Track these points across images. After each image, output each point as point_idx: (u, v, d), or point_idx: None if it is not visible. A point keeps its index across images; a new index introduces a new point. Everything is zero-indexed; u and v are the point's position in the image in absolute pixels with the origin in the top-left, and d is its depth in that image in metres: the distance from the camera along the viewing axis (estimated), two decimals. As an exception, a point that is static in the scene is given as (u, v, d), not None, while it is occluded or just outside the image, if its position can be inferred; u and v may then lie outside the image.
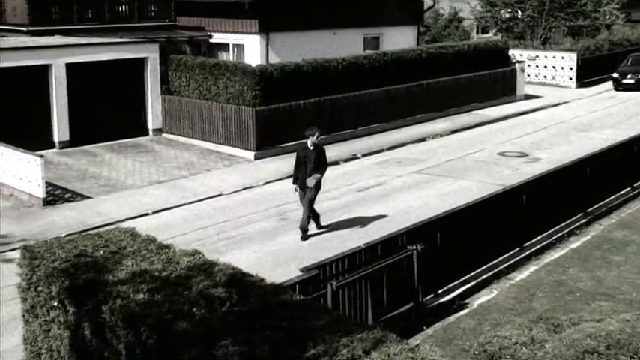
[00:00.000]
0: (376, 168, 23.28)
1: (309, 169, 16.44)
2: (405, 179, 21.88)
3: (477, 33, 52.16)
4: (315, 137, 16.56)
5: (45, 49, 24.83)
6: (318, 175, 16.55)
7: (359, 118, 27.35)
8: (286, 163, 23.41)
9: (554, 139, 27.07)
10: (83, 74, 24.90)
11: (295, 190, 16.95)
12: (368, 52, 32.08)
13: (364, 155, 24.86)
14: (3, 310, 12.96)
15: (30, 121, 23.97)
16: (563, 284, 14.20)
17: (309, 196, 16.48)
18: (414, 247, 12.56)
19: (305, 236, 16.67)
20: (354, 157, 24.61)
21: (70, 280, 7.73)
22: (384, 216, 18.27)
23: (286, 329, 6.42)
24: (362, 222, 17.89)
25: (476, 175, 22.10)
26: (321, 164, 16.68)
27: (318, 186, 16.63)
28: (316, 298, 10.38)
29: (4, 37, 29.54)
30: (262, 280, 7.65)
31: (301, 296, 7.63)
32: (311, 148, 16.58)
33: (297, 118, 25.16)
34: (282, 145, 24.75)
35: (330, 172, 22.74)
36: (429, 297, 13.28)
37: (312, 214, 16.83)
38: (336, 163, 23.80)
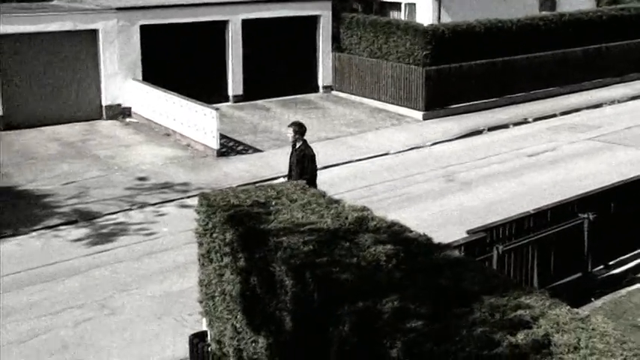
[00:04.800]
0: (547, 133, 22.57)
1: (294, 175, 13.12)
2: (577, 145, 21.10)
3: (665, -6, 49.07)
4: (291, 135, 13.50)
5: (223, 5, 25.58)
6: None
7: (531, 81, 26.55)
8: (455, 124, 23.18)
9: None
10: (258, 30, 25.56)
11: None
12: (544, 12, 30.94)
13: (535, 119, 24.15)
14: (182, 253, 13.70)
15: (207, 74, 24.89)
16: None
17: None
18: (586, 215, 12.16)
19: None
20: (525, 121, 23.96)
21: (243, 229, 8.00)
22: (553, 182, 17.73)
23: (453, 289, 6.39)
24: (530, 187, 17.45)
25: (655, 144, 21.02)
26: (303, 170, 13.15)
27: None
28: (482, 261, 10.27)
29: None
30: (429, 239, 7.62)
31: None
32: (294, 147, 13.53)
33: (467, 79, 24.84)
34: (452, 106, 24.49)
35: (498, 135, 22.44)
36: (598, 268, 12.84)
37: None
38: (505, 126, 23.34)
